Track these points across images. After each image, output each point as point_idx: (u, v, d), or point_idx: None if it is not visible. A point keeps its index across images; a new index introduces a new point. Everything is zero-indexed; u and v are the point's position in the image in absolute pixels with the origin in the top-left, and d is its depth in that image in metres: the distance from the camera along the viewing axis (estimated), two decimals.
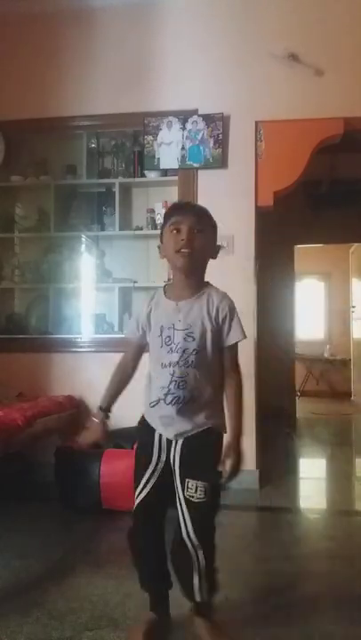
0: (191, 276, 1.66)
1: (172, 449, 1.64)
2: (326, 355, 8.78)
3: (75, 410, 3.43)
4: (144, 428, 1.71)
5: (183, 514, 1.61)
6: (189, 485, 1.60)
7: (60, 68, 3.64)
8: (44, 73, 3.66)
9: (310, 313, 8.91)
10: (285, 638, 1.71)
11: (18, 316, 3.87)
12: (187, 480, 1.60)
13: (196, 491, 1.59)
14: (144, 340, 1.74)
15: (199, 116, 3.45)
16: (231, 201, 3.38)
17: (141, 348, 1.77)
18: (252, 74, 3.48)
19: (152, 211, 3.70)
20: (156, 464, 1.65)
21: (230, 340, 1.64)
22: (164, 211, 3.62)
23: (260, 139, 3.46)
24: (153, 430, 1.68)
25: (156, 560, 1.70)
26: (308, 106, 3.40)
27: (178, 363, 1.61)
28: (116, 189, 3.72)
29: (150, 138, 3.49)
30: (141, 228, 3.72)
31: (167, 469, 1.65)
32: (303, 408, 6.90)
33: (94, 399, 3.51)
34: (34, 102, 3.65)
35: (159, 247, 1.73)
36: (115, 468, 2.83)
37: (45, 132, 3.76)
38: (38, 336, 3.72)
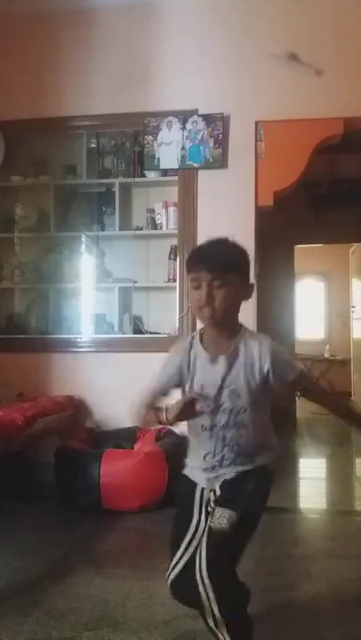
0: (221, 328, 1.50)
1: (214, 491, 1.50)
2: (326, 355, 8.77)
3: (75, 410, 3.44)
4: (185, 485, 1.56)
5: (200, 547, 1.41)
6: (215, 513, 1.42)
7: (59, 68, 3.64)
8: (43, 73, 3.66)
9: (310, 313, 8.91)
10: (285, 638, 1.71)
11: (18, 316, 3.87)
12: (216, 509, 1.44)
13: (219, 517, 1.40)
14: (169, 390, 1.57)
15: (199, 115, 3.45)
16: (231, 201, 3.39)
17: (165, 397, 1.58)
18: (252, 74, 3.48)
19: (152, 211, 3.70)
20: (197, 526, 1.48)
21: (290, 378, 1.49)
22: (164, 211, 3.64)
23: (260, 139, 3.46)
24: (195, 486, 1.53)
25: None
26: (308, 106, 3.40)
27: (227, 425, 1.47)
28: (116, 189, 3.72)
29: (150, 138, 3.49)
30: (141, 228, 3.72)
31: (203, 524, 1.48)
32: (303, 408, 6.89)
33: (94, 399, 3.57)
34: (34, 102, 3.65)
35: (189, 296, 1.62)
36: (115, 467, 2.83)
37: (45, 132, 3.76)
38: (38, 336, 3.72)
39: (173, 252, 3.62)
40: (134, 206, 3.86)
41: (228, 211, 3.41)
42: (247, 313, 3.69)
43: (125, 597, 1.93)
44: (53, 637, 1.70)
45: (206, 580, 1.36)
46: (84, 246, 3.85)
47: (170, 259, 3.65)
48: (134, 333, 3.67)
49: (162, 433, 3.23)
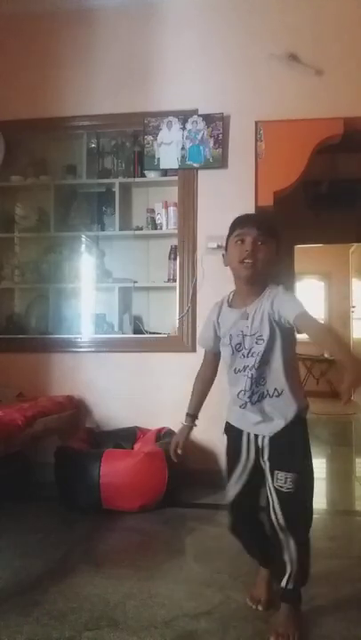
0: (254, 284, 1.73)
1: (261, 444, 1.73)
2: (326, 355, 8.76)
3: (75, 410, 3.44)
4: (232, 431, 1.80)
5: (273, 504, 1.70)
6: (279, 477, 1.69)
7: (59, 68, 3.65)
8: (43, 73, 3.66)
9: (310, 313, 8.89)
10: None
11: (18, 316, 3.87)
12: (276, 472, 1.69)
13: (285, 482, 1.69)
14: (217, 348, 1.84)
15: (199, 115, 3.45)
16: (231, 201, 3.38)
17: (217, 356, 1.88)
18: (252, 74, 3.48)
19: (152, 211, 3.70)
20: (245, 464, 1.76)
21: (291, 316, 1.62)
22: (164, 211, 3.65)
23: (260, 139, 3.46)
24: (240, 432, 1.77)
25: (260, 546, 1.86)
26: (308, 106, 3.40)
27: (254, 366, 1.70)
28: (116, 189, 3.72)
29: (150, 138, 3.49)
30: (141, 228, 3.72)
31: (257, 466, 1.74)
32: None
33: (94, 399, 3.57)
34: (34, 102, 3.65)
35: (223, 255, 1.80)
36: (115, 467, 2.83)
37: (45, 132, 3.76)
38: (38, 336, 3.72)
39: (173, 251, 3.62)
40: (134, 206, 3.85)
41: (228, 211, 3.35)
42: None
43: (125, 597, 1.93)
44: (53, 637, 1.70)
45: (286, 531, 1.71)
46: (84, 246, 3.85)
47: (170, 259, 3.65)
48: (134, 333, 3.67)
49: (162, 433, 3.24)
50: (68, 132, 3.81)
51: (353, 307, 7.82)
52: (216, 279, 3.31)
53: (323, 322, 1.78)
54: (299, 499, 1.72)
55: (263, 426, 1.73)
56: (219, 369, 1.91)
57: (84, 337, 3.68)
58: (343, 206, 5.74)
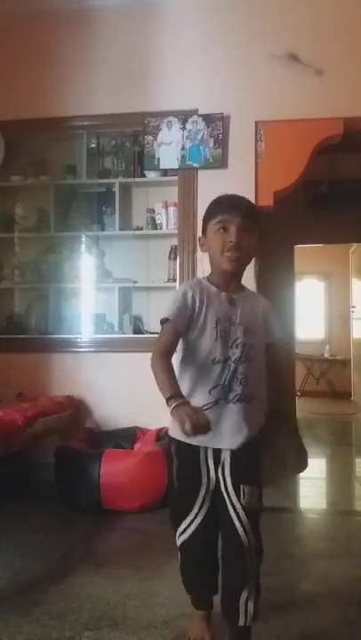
0: (235, 277, 1.61)
1: (222, 457, 1.52)
2: (326, 355, 8.78)
3: (75, 410, 3.44)
4: (184, 451, 1.54)
5: (242, 523, 1.48)
6: (246, 491, 1.49)
7: (59, 68, 3.64)
8: (44, 73, 3.66)
9: (310, 313, 8.91)
10: (285, 638, 1.71)
11: (18, 316, 3.87)
12: (242, 486, 1.49)
13: (251, 497, 1.49)
14: (187, 325, 1.53)
15: (199, 115, 3.45)
16: None
17: (181, 334, 1.55)
18: (252, 74, 3.48)
19: (152, 211, 3.70)
20: (207, 487, 1.53)
21: (275, 337, 1.61)
22: (164, 211, 3.64)
23: (260, 139, 3.46)
24: (197, 449, 1.52)
25: (211, 580, 1.59)
26: (308, 106, 3.40)
27: (240, 358, 1.51)
28: (116, 189, 3.72)
29: (150, 138, 3.49)
30: (141, 228, 3.72)
31: (217, 487, 1.53)
32: (303, 408, 6.90)
33: (94, 399, 3.56)
34: (34, 102, 3.65)
35: (200, 240, 1.63)
36: (115, 467, 2.83)
37: (45, 132, 3.76)
38: (38, 336, 3.71)
39: (173, 252, 3.62)
40: (134, 206, 3.86)
41: None
42: None
43: (125, 597, 1.93)
44: (53, 637, 1.70)
45: (254, 553, 1.49)
46: (84, 246, 3.85)
47: (170, 259, 3.65)
48: (134, 333, 3.67)
49: (162, 433, 3.23)
50: (68, 132, 3.81)
51: (353, 307, 7.82)
52: None
53: (286, 366, 1.71)
54: (258, 516, 1.53)
55: (229, 435, 1.50)
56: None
57: (84, 337, 3.68)
58: (343, 206, 5.73)
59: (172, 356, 1.53)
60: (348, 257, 8.14)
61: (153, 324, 3.75)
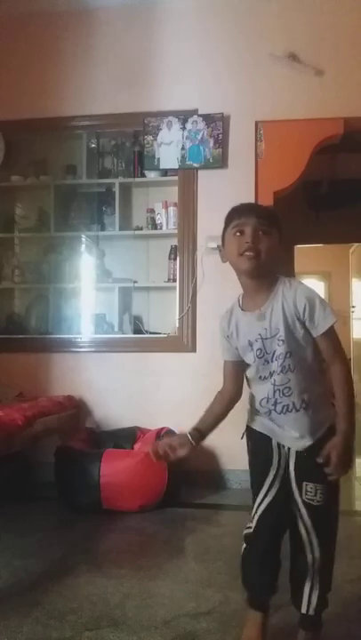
0: (261, 278, 1.56)
1: (287, 453, 1.57)
2: None
3: (75, 410, 3.44)
4: (258, 436, 1.61)
5: (303, 518, 1.54)
6: (308, 489, 1.53)
7: (59, 68, 3.64)
8: (44, 73, 3.66)
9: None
10: (285, 638, 1.71)
11: (18, 316, 3.87)
12: (304, 483, 1.54)
13: (315, 494, 1.53)
14: (239, 357, 1.62)
15: (199, 115, 3.45)
16: (231, 201, 3.35)
17: (239, 366, 1.63)
18: (252, 74, 3.48)
19: (152, 211, 3.70)
20: (277, 472, 1.57)
21: (320, 330, 1.52)
22: (164, 211, 3.64)
23: (260, 139, 3.46)
24: (268, 438, 1.59)
25: (270, 576, 1.62)
26: (308, 106, 3.40)
27: (276, 371, 1.53)
28: (116, 189, 3.72)
29: (150, 138, 3.49)
30: (141, 228, 3.72)
31: (285, 475, 1.57)
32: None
33: (94, 399, 3.56)
34: (34, 102, 3.65)
35: (220, 250, 1.62)
36: (115, 467, 2.83)
37: (45, 132, 3.76)
38: (38, 336, 3.71)
39: (173, 252, 3.62)
40: (134, 206, 3.85)
41: (227, 211, 3.40)
42: None
43: (125, 597, 1.93)
44: (53, 637, 1.70)
45: (316, 547, 1.54)
46: (84, 246, 3.85)
47: (170, 259, 3.65)
48: (134, 333, 3.66)
49: (162, 433, 3.23)
50: (68, 132, 3.81)
51: (353, 307, 7.82)
52: (216, 279, 3.31)
53: (345, 359, 1.56)
54: (329, 511, 1.57)
55: (288, 440, 1.56)
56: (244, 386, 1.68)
57: (84, 337, 3.68)
58: (343, 206, 5.73)
59: (229, 392, 1.65)
60: (348, 257, 8.14)
61: (153, 324, 3.75)
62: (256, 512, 1.59)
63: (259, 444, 1.61)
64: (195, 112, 3.47)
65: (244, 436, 1.66)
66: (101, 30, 3.64)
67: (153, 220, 3.69)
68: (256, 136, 3.46)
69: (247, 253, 1.51)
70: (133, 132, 3.72)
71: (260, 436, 1.60)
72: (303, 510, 1.54)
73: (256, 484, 1.60)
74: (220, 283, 3.17)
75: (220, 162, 3.44)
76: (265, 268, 1.54)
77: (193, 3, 3.56)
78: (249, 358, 1.58)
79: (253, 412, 1.63)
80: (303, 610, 1.56)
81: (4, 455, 2.64)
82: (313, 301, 1.54)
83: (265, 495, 1.57)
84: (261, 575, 1.62)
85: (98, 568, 2.22)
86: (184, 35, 3.56)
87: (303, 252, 6.92)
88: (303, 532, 1.54)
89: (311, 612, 1.55)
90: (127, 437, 3.34)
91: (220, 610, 1.85)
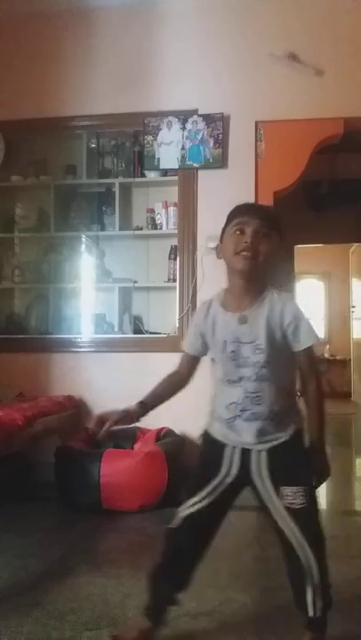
0: (251, 281, 1.53)
1: (254, 459, 1.54)
2: (326, 355, 8.78)
3: (75, 410, 3.44)
4: (210, 444, 1.59)
5: (288, 524, 1.51)
6: (287, 493, 1.50)
7: (59, 68, 3.64)
8: (43, 73, 3.66)
9: (310, 313, 8.91)
10: (285, 638, 1.71)
11: (18, 316, 3.87)
12: (282, 488, 1.51)
13: (295, 497, 1.50)
14: (203, 353, 1.64)
15: (199, 115, 3.45)
16: (231, 201, 3.35)
17: (197, 361, 1.67)
18: (252, 74, 3.48)
19: (152, 211, 3.70)
20: (223, 480, 1.55)
21: (303, 345, 1.53)
22: (164, 211, 3.64)
23: (260, 139, 3.46)
24: (222, 445, 1.56)
25: (184, 580, 1.61)
26: (308, 106, 3.40)
27: (250, 378, 1.51)
28: (116, 189, 3.72)
29: (150, 138, 3.49)
30: (141, 228, 3.72)
31: (235, 485, 1.56)
32: (303, 408, 6.89)
33: (94, 399, 3.56)
34: (34, 102, 3.65)
35: (217, 248, 1.61)
36: (115, 467, 2.83)
37: (45, 132, 3.76)
38: (38, 336, 3.71)
39: (173, 252, 3.62)
40: (134, 206, 3.85)
41: (228, 211, 3.35)
42: None
43: (125, 597, 1.93)
44: (53, 637, 1.70)
45: (308, 552, 1.50)
46: (84, 246, 3.85)
47: (170, 259, 3.65)
48: (134, 333, 3.67)
49: (162, 433, 3.24)
50: (68, 132, 3.81)
51: (353, 307, 7.82)
52: (216, 279, 3.30)
53: (321, 376, 1.60)
54: (312, 511, 1.54)
55: (257, 443, 1.53)
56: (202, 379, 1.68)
57: (84, 337, 3.68)
58: (343, 206, 5.74)
59: (180, 375, 1.67)
60: (349, 257, 8.14)
61: (153, 324, 3.75)
62: (184, 512, 1.58)
63: (211, 451, 1.60)
64: (195, 112, 3.47)
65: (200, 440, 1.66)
66: (101, 30, 3.64)
67: (153, 219, 3.69)
68: (256, 136, 3.46)
69: (244, 253, 1.49)
70: (133, 132, 3.73)
71: (213, 444, 1.59)
72: (286, 515, 1.51)
73: (194, 487, 1.58)
74: (220, 283, 3.16)
75: (220, 162, 3.44)
76: (259, 270, 1.53)
77: (193, 3, 3.56)
78: (219, 358, 1.57)
79: (215, 415, 1.60)
80: (310, 613, 1.54)
81: (4, 455, 2.64)
82: (300, 317, 1.53)
83: (199, 501, 1.56)
84: (166, 576, 1.61)
85: (98, 568, 2.21)
86: (184, 35, 3.56)
87: (303, 252, 6.93)
88: (292, 538, 1.51)
89: (318, 613, 1.54)
90: (127, 437, 3.33)
91: (220, 610, 1.85)
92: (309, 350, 1.55)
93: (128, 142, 3.80)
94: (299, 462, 1.53)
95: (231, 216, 1.58)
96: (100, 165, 3.85)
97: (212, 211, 3.41)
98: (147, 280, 3.75)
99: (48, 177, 3.81)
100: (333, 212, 5.78)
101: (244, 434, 1.53)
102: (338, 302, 8.84)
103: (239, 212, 1.57)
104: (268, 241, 1.52)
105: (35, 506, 2.98)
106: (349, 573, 2.20)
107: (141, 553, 2.40)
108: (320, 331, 9.12)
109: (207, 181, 3.48)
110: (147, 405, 1.61)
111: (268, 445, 1.53)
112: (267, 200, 3.43)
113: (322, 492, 3.69)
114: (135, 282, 3.71)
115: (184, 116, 3.46)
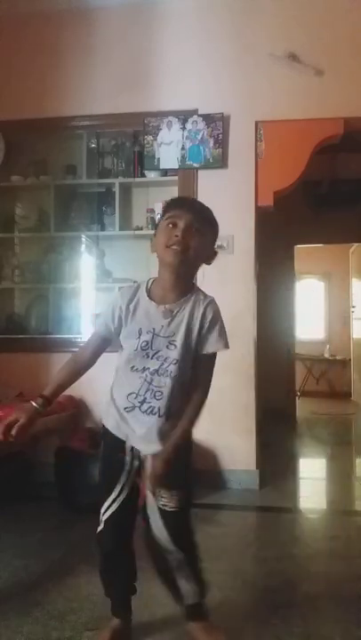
0: (179, 276, 1.53)
1: (141, 459, 1.57)
2: (326, 355, 8.78)
3: (75, 410, 3.43)
4: (111, 440, 1.59)
5: (158, 523, 1.57)
6: (163, 495, 1.54)
7: (60, 68, 3.64)
8: (44, 73, 3.66)
9: (310, 313, 8.91)
10: (285, 638, 1.71)
11: (18, 316, 3.87)
12: (162, 492, 1.55)
13: (170, 500, 1.55)
14: (115, 336, 1.61)
15: (199, 115, 3.45)
16: (231, 201, 3.38)
17: (107, 344, 1.66)
18: (252, 74, 3.48)
19: (152, 211, 3.70)
20: (128, 476, 1.57)
21: (209, 349, 1.53)
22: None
23: (260, 139, 3.46)
24: (122, 441, 1.57)
25: (129, 571, 1.68)
26: (308, 106, 3.40)
27: (157, 371, 1.51)
28: (116, 189, 3.72)
29: (150, 138, 3.49)
30: (141, 228, 3.72)
31: (136, 476, 1.58)
32: (303, 408, 6.90)
33: (94, 399, 3.56)
34: (34, 102, 3.65)
35: (152, 240, 1.60)
36: None
37: (45, 132, 3.76)
38: (38, 336, 3.71)
39: None
40: (134, 206, 3.85)
41: (228, 211, 3.39)
42: (247, 313, 3.67)
43: None
44: (53, 637, 1.70)
45: (175, 549, 1.56)
46: (84, 246, 3.85)
47: None
48: None
49: None
50: (68, 132, 3.81)
51: (353, 307, 7.82)
52: (216, 279, 3.30)
53: (209, 385, 1.56)
54: (184, 516, 1.59)
55: (141, 443, 1.54)
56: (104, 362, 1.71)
57: (84, 337, 3.67)
58: (343, 206, 5.74)
59: (86, 361, 1.71)
60: (349, 257, 8.13)
61: None
62: (105, 514, 1.58)
63: (112, 449, 1.60)
64: (195, 112, 3.47)
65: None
66: (101, 30, 3.64)
67: (153, 219, 3.68)
68: (256, 136, 3.46)
69: (174, 247, 1.48)
70: (133, 132, 3.72)
71: (113, 440, 1.58)
72: (158, 517, 1.55)
73: (106, 489, 1.59)
74: (220, 283, 3.17)
75: (220, 162, 3.44)
76: (188, 266, 1.53)
77: (193, 3, 3.56)
78: (129, 344, 1.56)
79: (112, 405, 1.60)
80: (189, 601, 1.60)
81: (5, 455, 2.64)
82: (216, 321, 1.53)
83: (114, 500, 1.57)
84: (112, 573, 1.65)
85: (98, 568, 2.21)
86: (184, 35, 3.56)
87: (303, 252, 6.93)
88: (162, 539, 1.56)
89: (197, 599, 1.60)
90: None
91: (220, 610, 1.85)
92: (212, 357, 1.55)
93: (128, 142, 3.80)
94: (178, 464, 1.52)
95: (166, 209, 1.56)
96: (100, 165, 3.85)
97: (212, 210, 3.41)
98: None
99: (48, 177, 3.81)
100: (333, 211, 5.78)
101: (138, 428, 1.53)
102: (338, 302, 8.84)
103: (174, 206, 1.55)
104: (201, 237, 1.51)
105: (35, 506, 2.98)
106: (349, 573, 2.20)
107: (141, 553, 2.40)
108: (320, 331, 9.13)
109: (207, 181, 3.48)
110: (49, 399, 1.65)
111: (152, 451, 1.53)
112: (267, 200, 3.44)
113: (322, 492, 3.70)
114: (135, 282, 3.70)
115: (184, 116, 3.46)
